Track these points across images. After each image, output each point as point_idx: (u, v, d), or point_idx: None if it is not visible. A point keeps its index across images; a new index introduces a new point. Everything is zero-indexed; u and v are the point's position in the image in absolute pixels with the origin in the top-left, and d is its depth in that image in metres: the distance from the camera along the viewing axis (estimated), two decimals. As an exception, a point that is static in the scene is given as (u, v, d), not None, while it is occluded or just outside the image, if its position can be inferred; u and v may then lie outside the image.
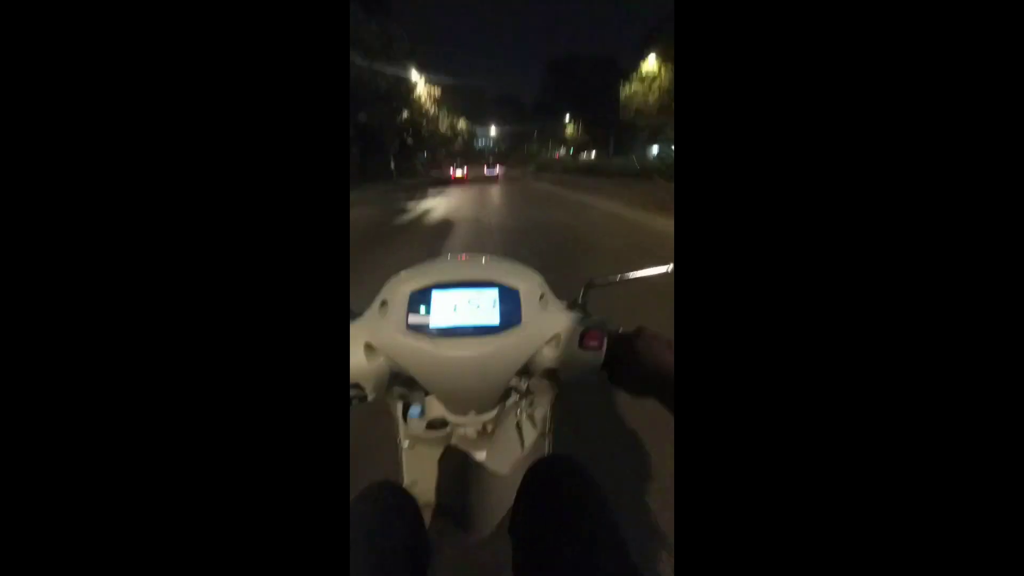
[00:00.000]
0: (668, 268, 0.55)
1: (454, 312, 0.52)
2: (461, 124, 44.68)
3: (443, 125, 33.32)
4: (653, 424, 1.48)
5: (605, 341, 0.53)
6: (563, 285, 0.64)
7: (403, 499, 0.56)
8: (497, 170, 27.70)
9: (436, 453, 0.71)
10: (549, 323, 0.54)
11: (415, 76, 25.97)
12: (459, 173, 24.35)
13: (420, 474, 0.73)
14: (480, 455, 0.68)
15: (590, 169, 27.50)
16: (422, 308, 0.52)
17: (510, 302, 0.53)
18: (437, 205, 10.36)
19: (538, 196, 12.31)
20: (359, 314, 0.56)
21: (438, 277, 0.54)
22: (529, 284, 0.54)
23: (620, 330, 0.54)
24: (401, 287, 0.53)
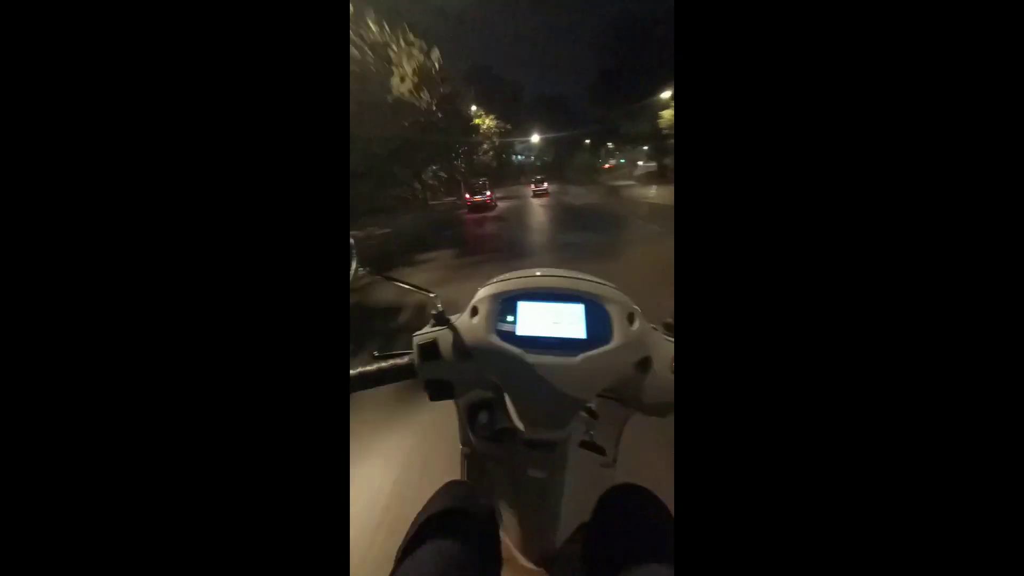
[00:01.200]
0: None
1: (540, 323, 0.53)
2: (488, 123, 36.60)
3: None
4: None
5: None
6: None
7: (476, 502, 0.59)
8: (545, 186, 24.19)
9: (500, 457, 0.69)
10: (640, 343, 0.52)
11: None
12: (479, 197, 16.65)
13: (477, 481, 0.73)
14: (540, 472, 0.64)
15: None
16: (509, 317, 0.54)
17: (597, 318, 0.53)
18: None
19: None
20: (451, 319, 0.58)
21: (524, 286, 0.55)
22: (617, 301, 0.53)
23: None
24: (490, 296, 0.55)
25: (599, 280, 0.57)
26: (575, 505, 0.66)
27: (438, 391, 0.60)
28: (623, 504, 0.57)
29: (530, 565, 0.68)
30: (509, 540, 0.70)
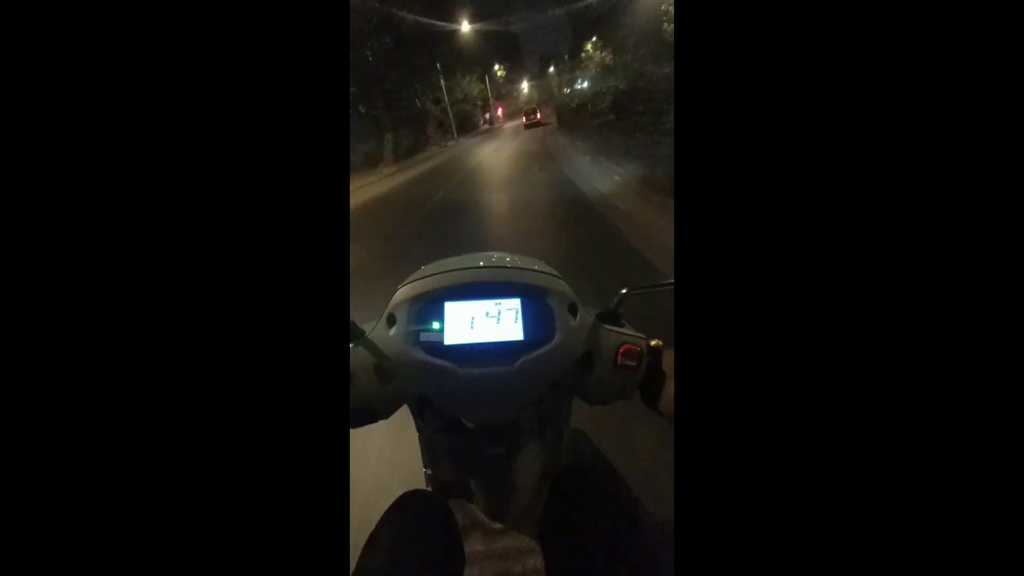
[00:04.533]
0: None
1: (471, 328, 0.46)
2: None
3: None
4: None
5: (644, 361, 0.48)
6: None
7: (437, 509, 0.55)
8: (537, 116, 25.98)
9: (455, 444, 0.67)
10: (580, 339, 0.48)
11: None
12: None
13: (439, 463, 0.72)
14: (498, 449, 0.61)
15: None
16: (434, 323, 0.46)
17: (535, 313, 0.47)
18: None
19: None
20: (365, 332, 0.49)
21: (449, 284, 0.46)
22: (557, 291, 0.47)
23: (657, 344, 0.48)
24: (408, 300, 0.46)
25: (537, 267, 0.49)
26: (533, 472, 0.65)
27: (357, 420, 0.50)
28: (583, 476, 0.56)
29: (496, 526, 0.65)
30: (475, 506, 0.68)
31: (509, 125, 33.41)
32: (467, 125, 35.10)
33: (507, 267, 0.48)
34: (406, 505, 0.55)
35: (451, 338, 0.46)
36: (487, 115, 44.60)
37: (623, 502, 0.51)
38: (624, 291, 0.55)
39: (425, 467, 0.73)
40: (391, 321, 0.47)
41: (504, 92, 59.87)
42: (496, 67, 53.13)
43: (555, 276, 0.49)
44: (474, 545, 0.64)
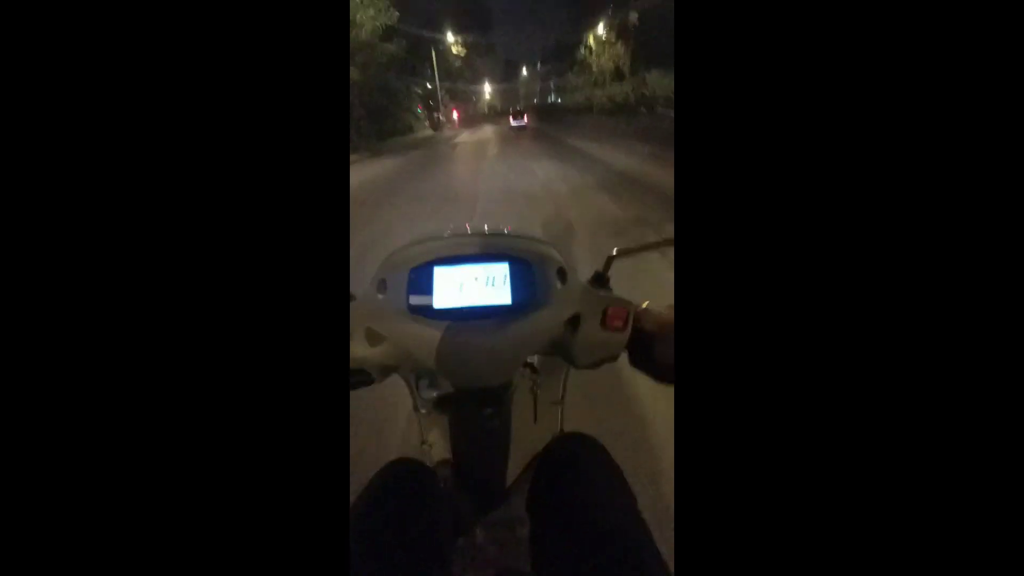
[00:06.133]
0: None
1: (460, 291, 0.48)
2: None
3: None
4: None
5: (631, 320, 0.48)
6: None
7: (426, 479, 0.55)
8: (525, 120, 22.22)
9: (450, 416, 0.69)
10: (568, 302, 0.48)
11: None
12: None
13: (436, 436, 0.74)
14: (492, 422, 0.62)
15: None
16: (424, 287, 0.48)
17: (523, 278, 0.48)
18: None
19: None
20: (355, 296, 0.50)
21: (440, 251, 0.49)
22: (545, 257, 0.49)
23: (645, 305, 0.50)
24: (399, 264, 0.48)
25: (525, 234, 0.51)
26: (528, 443, 0.68)
27: (352, 382, 0.50)
28: (571, 448, 0.57)
29: (489, 495, 0.69)
30: (469, 475, 0.70)
31: (467, 138, 19.15)
32: (391, 125, 20.29)
33: (495, 235, 0.51)
34: (391, 472, 0.55)
35: (440, 302, 0.47)
36: (436, 115, 29.55)
37: (614, 475, 0.53)
38: (613, 252, 0.54)
39: (423, 442, 0.74)
40: (381, 286, 0.48)
41: (461, 91, 45.01)
42: (450, 36, 35.21)
43: (544, 242, 0.50)
44: (466, 514, 0.66)
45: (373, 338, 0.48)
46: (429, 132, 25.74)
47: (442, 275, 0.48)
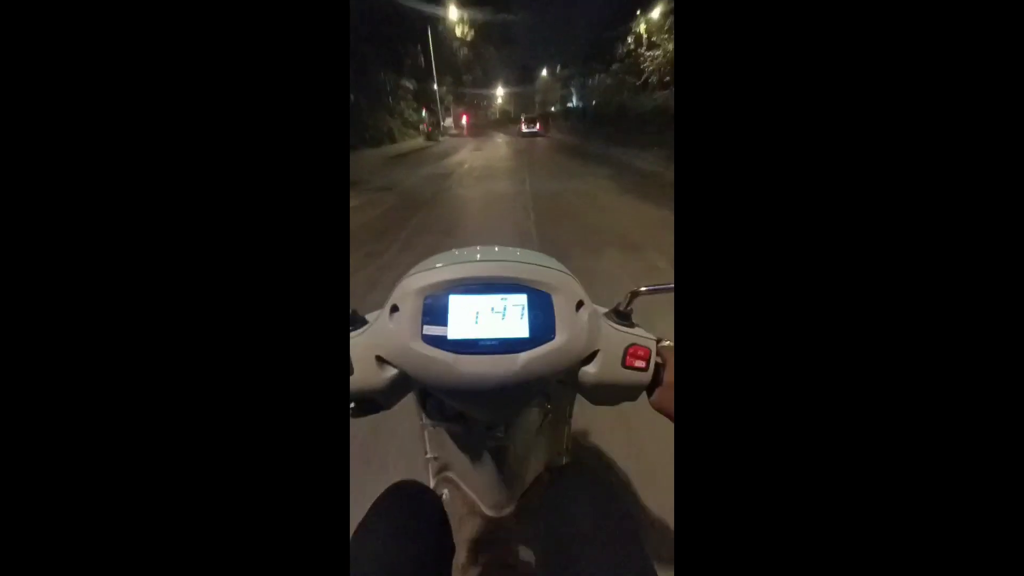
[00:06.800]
0: None
1: (476, 323, 0.45)
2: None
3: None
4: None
5: (652, 360, 0.48)
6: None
7: (428, 501, 0.57)
8: (537, 127, 21.66)
9: (456, 434, 0.69)
10: (588, 337, 0.47)
11: None
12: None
13: (440, 450, 0.74)
14: (499, 442, 0.63)
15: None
16: (439, 316, 0.45)
17: (541, 310, 0.46)
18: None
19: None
20: (368, 321, 0.50)
21: (456, 276, 0.46)
22: (564, 288, 0.47)
23: (666, 343, 0.49)
24: (413, 291, 0.46)
25: (545, 263, 0.49)
26: (533, 465, 0.68)
27: (360, 409, 0.50)
28: (580, 475, 0.57)
29: (492, 515, 0.69)
30: (473, 495, 0.70)
31: (468, 157, 12.43)
32: (359, 132, 13.57)
33: (514, 262, 0.48)
34: (394, 494, 0.56)
35: (455, 332, 0.45)
36: (436, 118, 22.73)
37: (620, 503, 0.53)
38: (634, 289, 0.53)
39: (426, 453, 0.74)
40: (394, 311, 0.47)
41: (468, 96, 38.30)
42: (453, 13, 26.61)
43: (563, 272, 0.49)
44: (468, 532, 0.67)
45: (384, 366, 0.47)
46: (418, 142, 18.81)
47: (458, 304, 0.45)
